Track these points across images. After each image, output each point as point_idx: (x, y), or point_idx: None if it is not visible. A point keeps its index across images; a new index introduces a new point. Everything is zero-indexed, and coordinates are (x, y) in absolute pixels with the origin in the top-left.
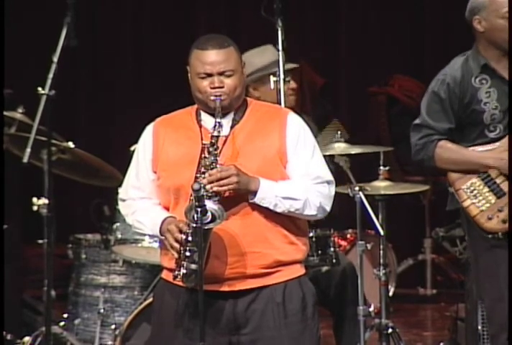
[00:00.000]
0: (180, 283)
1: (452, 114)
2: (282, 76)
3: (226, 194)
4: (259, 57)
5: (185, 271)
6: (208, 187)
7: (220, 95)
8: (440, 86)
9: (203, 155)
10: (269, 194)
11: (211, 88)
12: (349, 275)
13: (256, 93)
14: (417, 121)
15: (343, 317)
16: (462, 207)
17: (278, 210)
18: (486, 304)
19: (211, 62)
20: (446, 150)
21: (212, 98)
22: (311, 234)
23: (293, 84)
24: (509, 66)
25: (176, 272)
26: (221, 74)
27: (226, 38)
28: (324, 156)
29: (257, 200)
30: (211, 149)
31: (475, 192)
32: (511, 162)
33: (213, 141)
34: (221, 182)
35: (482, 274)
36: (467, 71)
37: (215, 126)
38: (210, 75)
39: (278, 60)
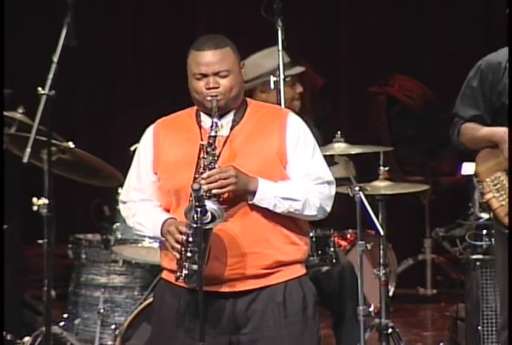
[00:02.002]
0: (181, 283)
1: (483, 101)
2: (282, 76)
3: (226, 195)
4: (269, 59)
5: (187, 272)
6: (205, 187)
7: (216, 96)
8: (475, 72)
9: (201, 155)
10: (268, 194)
11: (207, 89)
12: (347, 274)
13: (263, 96)
14: (453, 110)
15: (342, 317)
16: (484, 199)
17: (278, 210)
18: (499, 297)
19: (206, 63)
20: (468, 129)
21: (208, 98)
22: (310, 234)
23: (299, 88)
24: (509, 66)
25: (178, 273)
26: (216, 74)
27: (223, 38)
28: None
29: (256, 200)
30: (208, 150)
31: (498, 186)
32: (511, 160)
33: (210, 141)
34: (220, 183)
35: (497, 267)
36: (509, 60)
37: (212, 126)
38: (205, 75)
39: (283, 62)
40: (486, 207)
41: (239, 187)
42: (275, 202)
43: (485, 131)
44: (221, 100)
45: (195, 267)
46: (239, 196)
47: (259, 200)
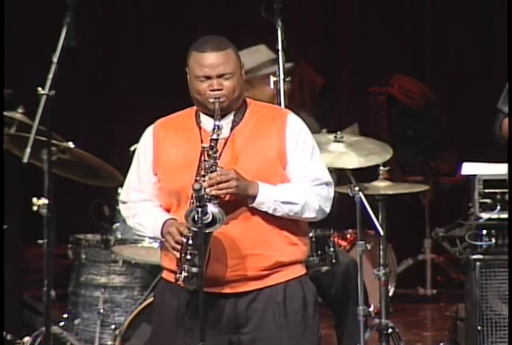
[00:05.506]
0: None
1: None
2: (282, 76)
3: (226, 198)
4: (249, 58)
5: (186, 274)
6: (207, 190)
7: (219, 98)
8: None
9: (202, 158)
10: (268, 199)
11: (210, 91)
12: (353, 272)
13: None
14: (498, 105)
15: (345, 316)
16: None
17: (277, 214)
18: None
19: (210, 65)
20: (507, 126)
21: (211, 100)
22: (310, 234)
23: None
24: (508, 67)
25: (177, 275)
26: (220, 76)
27: (224, 40)
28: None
29: (256, 204)
30: (210, 152)
31: None
32: (510, 155)
33: (212, 144)
34: (221, 185)
35: None
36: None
37: (214, 129)
38: (209, 77)
39: (272, 60)
40: None
41: (240, 190)
42: (274, 206)
43: None
44: (224, 102)
45: (194, 269)
46: (239, 199)
47: (259, 204)
